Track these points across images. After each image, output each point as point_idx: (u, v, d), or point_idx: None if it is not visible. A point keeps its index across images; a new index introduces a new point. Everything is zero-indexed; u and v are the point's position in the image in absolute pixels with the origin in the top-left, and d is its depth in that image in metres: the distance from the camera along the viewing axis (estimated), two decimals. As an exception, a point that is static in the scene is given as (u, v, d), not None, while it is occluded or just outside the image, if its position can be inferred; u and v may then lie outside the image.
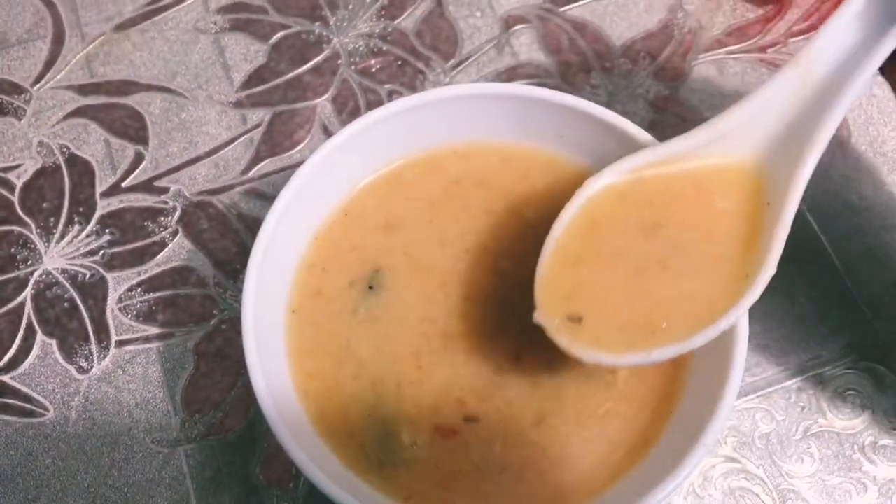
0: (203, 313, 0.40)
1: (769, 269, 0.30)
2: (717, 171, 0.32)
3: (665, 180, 0.32)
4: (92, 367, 0.39)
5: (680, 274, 0.30)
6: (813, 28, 0.46)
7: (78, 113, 0.45)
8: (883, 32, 0.29)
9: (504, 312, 0.34)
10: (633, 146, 0.34)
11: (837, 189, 0.42)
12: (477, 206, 0.36)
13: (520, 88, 0.36)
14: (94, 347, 0.39)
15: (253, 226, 0.41)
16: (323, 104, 0.45)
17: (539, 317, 0.30)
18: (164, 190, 0.43)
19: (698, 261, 0.31)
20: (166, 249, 0.41)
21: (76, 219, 0.42)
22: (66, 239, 0.42)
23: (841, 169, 0.43)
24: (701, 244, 0.31)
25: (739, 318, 0.31)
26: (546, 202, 0.36)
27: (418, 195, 0.36)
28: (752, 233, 0.31)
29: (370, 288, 0.34)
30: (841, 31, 0.30)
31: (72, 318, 0.40)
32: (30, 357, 0.39)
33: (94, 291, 0.40)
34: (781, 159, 0.31)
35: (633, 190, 0.32)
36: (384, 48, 0.46)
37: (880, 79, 0.45)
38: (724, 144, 0.32)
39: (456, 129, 0.36)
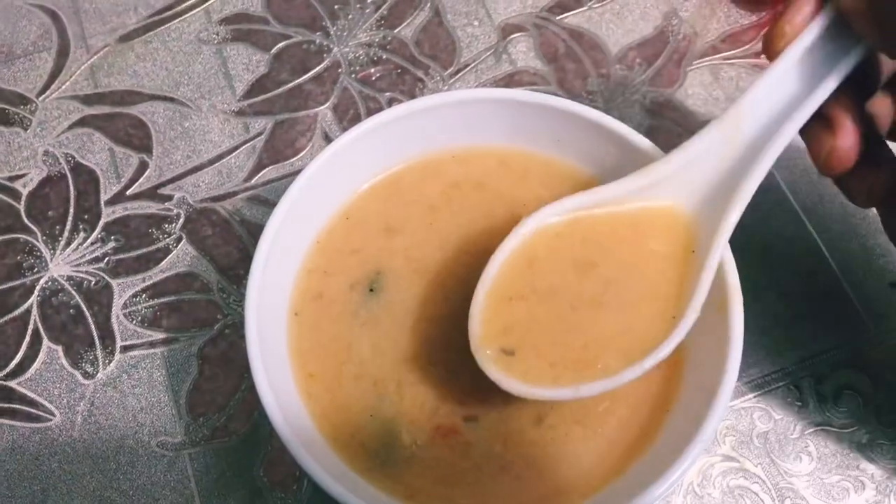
0: (207, 318, 0.40)
1: (693, 313, 0.31)
2: (652, 214, 0.33)
3: (602, 221, 0.33)
4: (97, 373, 0.40)
5: (612, 311, 0.31)
6: (806, 33, 0.47)
7: (83, 123, 0.45)
8: (804, 96, 0.31)
9: (503, 313, 0.35)
10: (629, 149, 0.35)
11: (833, 191, 0.43)
12: (475, 210, 0.36)
13: (516, 93, 0.36)
14: (99, 353, 0.40)
15: (256, 232, 0.42)
16: (324, 112, 0.45)
17: (473, 348, 0.31)
18: (168, 197, 0.43)
19: (630, 299, 0.32)
20: (170, 256, 0.42)
21: (81, 226, 0.43)
22: (72, 246, 0.42)
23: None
24: (634, 283, 0.32)
25: (735, 318, 0.32)
26: (544, 205, 0.36)
27: (418, 199, 0.37)
28: (681, 275, 0.32)
29: (371, 290, 0.35)
30: (768, 91, 0.31)
31: (77, 324, 0.40)
32: (36, 363, 0.40)
33: (99, 298, 0.41)
34: (709, 208, 0.32)
35: (570, 229, 0.33)
36: (384, 57, 0.47)
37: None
38: (659, 190, 0.33)
39: (454, 134, 0.37)
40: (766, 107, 0.31)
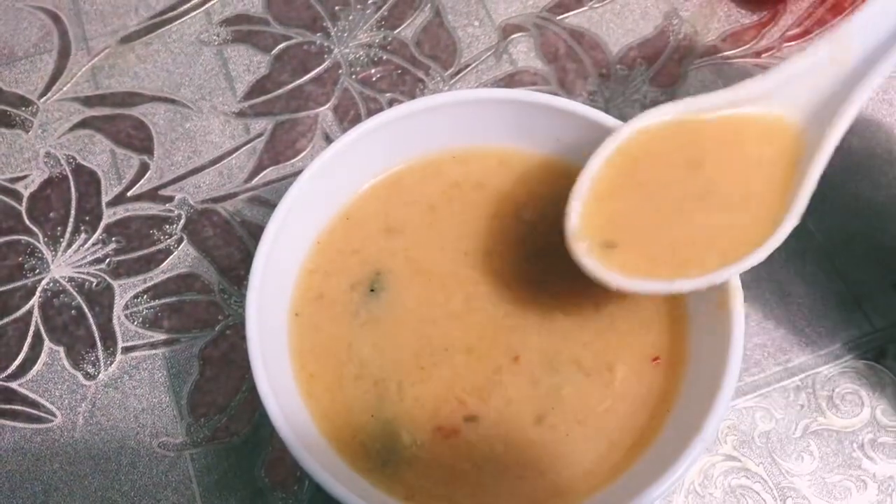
0: (208, 319, 0.40)
1: (793, 219, 0.31)
2: (759, 122, 0.33)
3: (707, 125, 0.33)
4: (99, 373, 0.40)
5: (715, 210, 0.32)
6: (808, 33, 0.47)
7: (84, 124, 0.45)
8: None
9: (502, 313, 0.35)
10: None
11: (835, 191, 0.43)
12: (476, 209, 0.36)
13: (516, 93, 0.36)
14: (100, 354, 0.40)
15: (257, 233, 0.42)
16: (325, 113, 0.45)
17: (569, 241, 0.32)
18: (169, 199, 0.43)
19: (733, 201, 0.32)
20: (171, 257, 0.42)
21: (83, 228, 0.43)
22: (73, 247, 0.42)
23: (838, 170, 0.43)
24: (738, 186, 0.32)
25: (736, 317, 0.32)
26: (544, 204, 0.36)
27: (418, 199, 0.37)
28: (784, 183, 0.32)
29: (371, 291, 0.35)
30: (880, 11, 0.32)
31: (79, 325, 0.41)
32: (37, 364, 0.40)
33: (100, 299, 0.41)
34: (815, 122, 0.33)
35: (675, 132, 0.33)
36: (384, 58, 0.47)
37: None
38: (765, 101, 0.33)
39: (454, 134, 0.37)
40: (875, 29, 0.32)
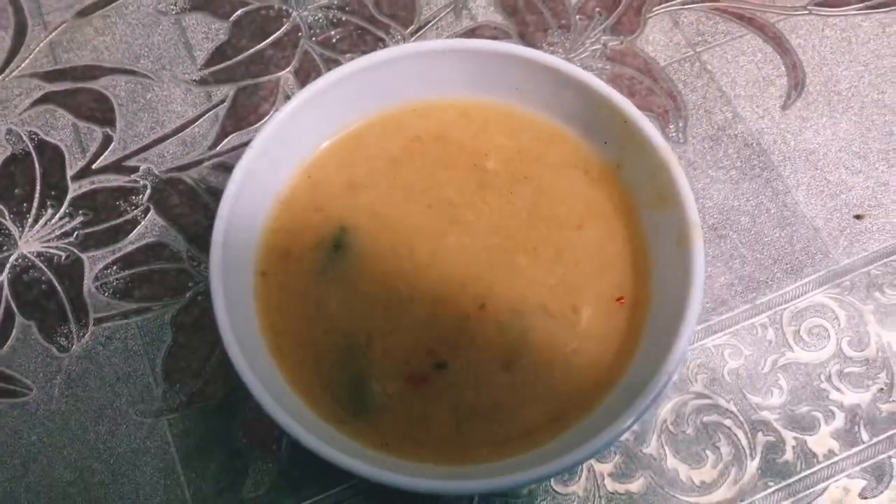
0: (178, 287, 0.41)
1: None
2: None
3: None
4: (72, 346, 0.40)
5: None
6: (765, -25, 0.47)
7: (45, 100, 0.45)
8: None
9: (469, 262, 0.35)
10: (588, 94, 0.35)
11: (795, 129, 0.43)
12: (437, 161, 0.37)
13: (473, 43, 0.36)
14: (73, 326, 0.40)
15: (223, 199, 0.42)
16: (286, 77, 0.45)
17: None
18: (134, 169, 0.43)
19: None
20: (139, 227, 0.42)
21: (49, 203, 0.43)
22: (40, 223, 0.42)
23: (798, 109, 0.44)
24: None
25: (696, 252, 0.32)
26: (505, 153, 0.37)
27: (379, 154, 0.37)
28: None
29: (336, 247, 0.35)
30: None
31: (49, 299, 0.41)
32: (10, 340, 0.40)
33: (70, 272, 0.41)
34: None
35: None
36: (343, 19, 0.47)
37: (832, 20, 0.46)
38: None
39: (412, 88, 0.37)
40: None
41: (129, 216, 0.42)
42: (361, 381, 0.33)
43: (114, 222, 0.42)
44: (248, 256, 0.35)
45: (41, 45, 0.47)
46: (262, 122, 0.44)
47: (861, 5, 0.46)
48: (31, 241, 0.42)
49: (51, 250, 0.42)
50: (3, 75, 0.46)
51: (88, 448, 0.38)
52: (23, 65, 0.46)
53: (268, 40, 0.46)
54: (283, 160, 0.36)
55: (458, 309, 0.34)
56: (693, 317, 0.31)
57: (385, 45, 0.46)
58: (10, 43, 0.47)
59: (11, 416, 0.38)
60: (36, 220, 0.42)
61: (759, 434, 0.37)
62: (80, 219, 0.42)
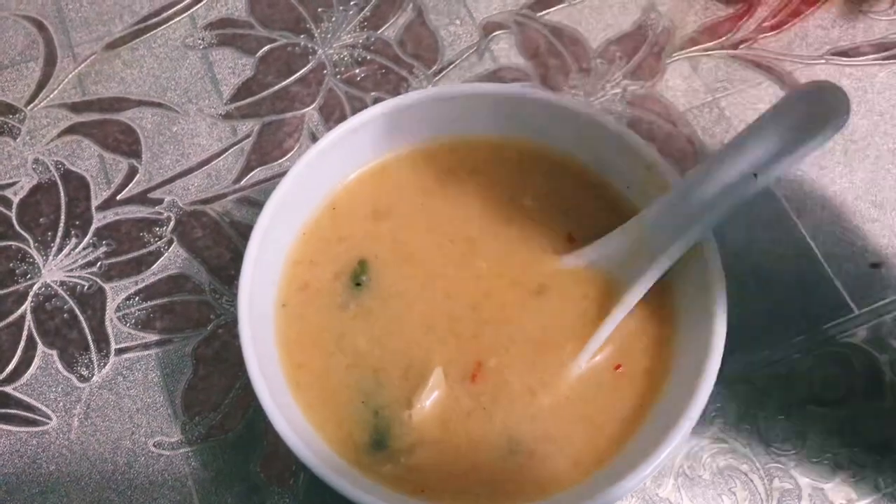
0: (200, 319, 0.41)
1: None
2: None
3: None
4: (93, 376, 0.40)
5: None
6: (783, 24, 0.48)
7: (72, 130, 0.46)
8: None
9: (494, 295, 0.35)
10: (610, 137, 0.36)
11: (812, 177, 0.44)
12: (472, 193, 0.37)
13: (497, 87, 0.38)
14: (94, 356, 0.40)
15: (246, 233, 0.42)
16: (310, 113, 0.46)
17: None
18: (159, 201, 0.44)
19: None
20: (162, 258, 0.42)
21: (73, 232, 0.43)
22: (64, 252, 0.43)
23: (815, 157, 0.44)
24: None
25: (718, 299, 0.32)
26: (543, 193, 0.37)
27: (410, 183, 0.37)
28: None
29: (356, 276, 0.35)
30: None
31: (71, 328, 0.41)
32: (31, 368, 0.40)
33: (92, 302, 0.41)
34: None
35: None
36: (368, 57, 0.47)
37: (848, 70, 0.46)
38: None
39: (442, 125, 0.38)
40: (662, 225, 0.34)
41: (152, 247, 0.43)
42: (382, 420, 0.33)
43: (137, 253, 0.42)
44: (272, 289, 0.35)
45: (70, 76, 0.47)
46: (287, 157, 0.45)
47: (878, 56, 0.47)
48: (55, 270, 0.42)
49: (74, 279, 0.42)
50: (31, 105, 0.46)
51: (106, 479, 0.38)
52: (51, 95, 0.47)
53: (293, 77, 0.47)
54: (310, 195, 0.36)
55: (479, 346, 0.34)
56: (714, 366, 0.31)
57: (409, 84, 0.47)
58: (40, 74, 0.47)
59: (31, 445, 0.39)
60: (60, 250, 0.43)
61: (776, 481, 0.37)
62: (103, 249, 0.43)
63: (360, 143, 0.36)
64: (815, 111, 0.31)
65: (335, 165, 0.37)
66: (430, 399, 0.33)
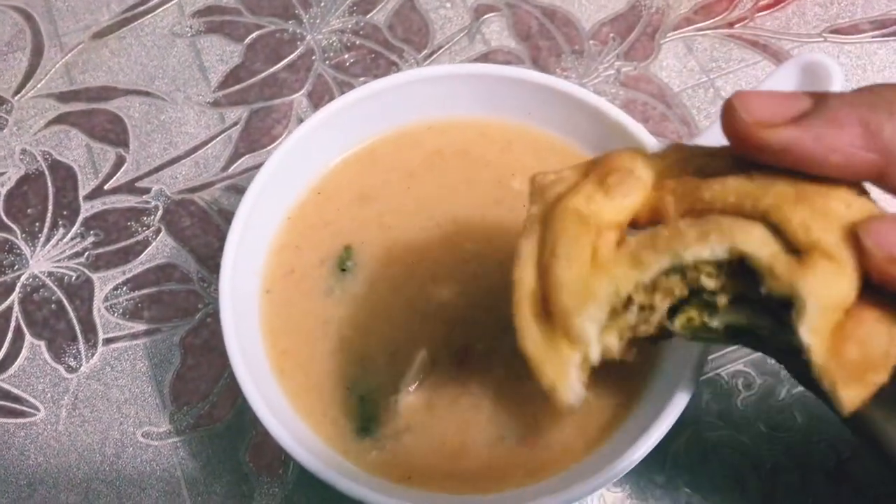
0: (188, 308, 0.40)
1: None
2: None
3: None
4: (81, 366, 0.40)
5: None
6: (780, 1, 0.47)
7: (59, 120, 0.45)
8: None
9: (482, 278, 0.35)
10: (600, 119, 0.35)
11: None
12: (459, 175, 0.36)
13: (484, 67, 0.37)
14: (82, 346, 0.40)
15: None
16: (299, 99, 0.45)
17: None
18: (146, 190, 0.43)
19: None
20: (150, 248, 0.42)
21: (60, 222, 0.43)
22: (52, 242, 0.42)
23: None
24: None
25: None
26: (531, 173, 0.36)
27: (396, 167, 0.37)
28: None
29: (343, 261, 0.35)
30: None
31: (59, 319, 0.40)
32: (19, 359, 0.40)
33: (80, 292, 0.41)
34: None
35: None
36: (357, 42, 0.47)
37: (847, 48, 0.45)
38: None
39: (428, 107, 0.37)
40: None
41: (140, 237, 0.42)
42: (369, 405, 0.33)
43: (125, 243, 0.42)
44: (256, 276, 0.35)
45: (57, 66, 0.47)
46: (275, 143, 0.44)
47: (876, 33, 0.46)
48: (42, 261, 0.42)
49: (61, 270, 0.42)
50: (18, 96, 0.46)
51: (94, 470, 0.38)
52: (38, 85, 0.46)
53: (281, 63, 0.46)
54: (295, 179, 0.36)
55: (466, 330, 0.34)
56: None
57: (399, 69, 0.46)
58: (27, 64, 0.47)
59: (19, 436, 0.38)
60: (47, 240, 0.42)
61: (774, 465, 0.37)
62: (91, 239, 0.42)
63: (345, 126, 0.36)
64: (805, 85, 0.30)
65: (320, 149, 0.36)
66: (415, 384, 0.32)
